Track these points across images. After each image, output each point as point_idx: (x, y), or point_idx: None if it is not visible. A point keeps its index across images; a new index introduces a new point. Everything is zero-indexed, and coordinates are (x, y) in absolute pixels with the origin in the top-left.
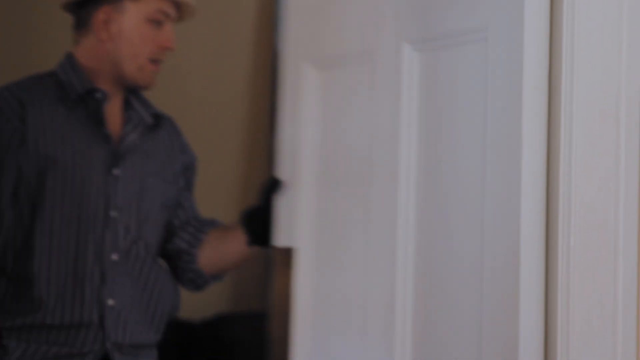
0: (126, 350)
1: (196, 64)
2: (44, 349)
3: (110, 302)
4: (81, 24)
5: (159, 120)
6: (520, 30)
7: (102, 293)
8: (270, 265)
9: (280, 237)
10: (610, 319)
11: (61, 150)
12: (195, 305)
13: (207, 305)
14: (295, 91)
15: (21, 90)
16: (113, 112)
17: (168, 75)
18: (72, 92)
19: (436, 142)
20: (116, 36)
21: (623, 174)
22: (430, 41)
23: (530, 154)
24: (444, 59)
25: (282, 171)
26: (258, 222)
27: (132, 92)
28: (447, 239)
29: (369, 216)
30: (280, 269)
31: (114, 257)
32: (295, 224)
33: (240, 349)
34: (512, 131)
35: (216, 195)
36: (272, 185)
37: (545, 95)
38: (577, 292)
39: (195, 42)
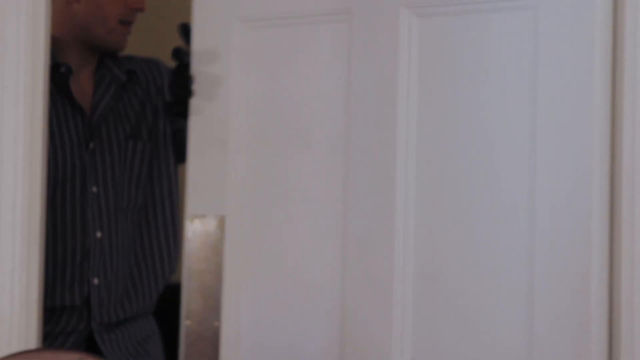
0: (112, 327)
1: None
2: None
3: (96, 280)
4: None
5: (133, 75)
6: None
7: (87, 272)
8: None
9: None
10: None
11: None
12: None
13: None
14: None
15: None
16: (85, 77)
17: None
18: None
19: (456, 118)
20: None
21: None
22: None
23: (599, 136)
24: (462, 27)
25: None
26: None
27: (105, 54)
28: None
29: (345, 188)
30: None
31: (98, 234)
32: (226, 190)
33: None
34: (580, 106)
35: None
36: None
37: (610, 66)
38: None
39: None
